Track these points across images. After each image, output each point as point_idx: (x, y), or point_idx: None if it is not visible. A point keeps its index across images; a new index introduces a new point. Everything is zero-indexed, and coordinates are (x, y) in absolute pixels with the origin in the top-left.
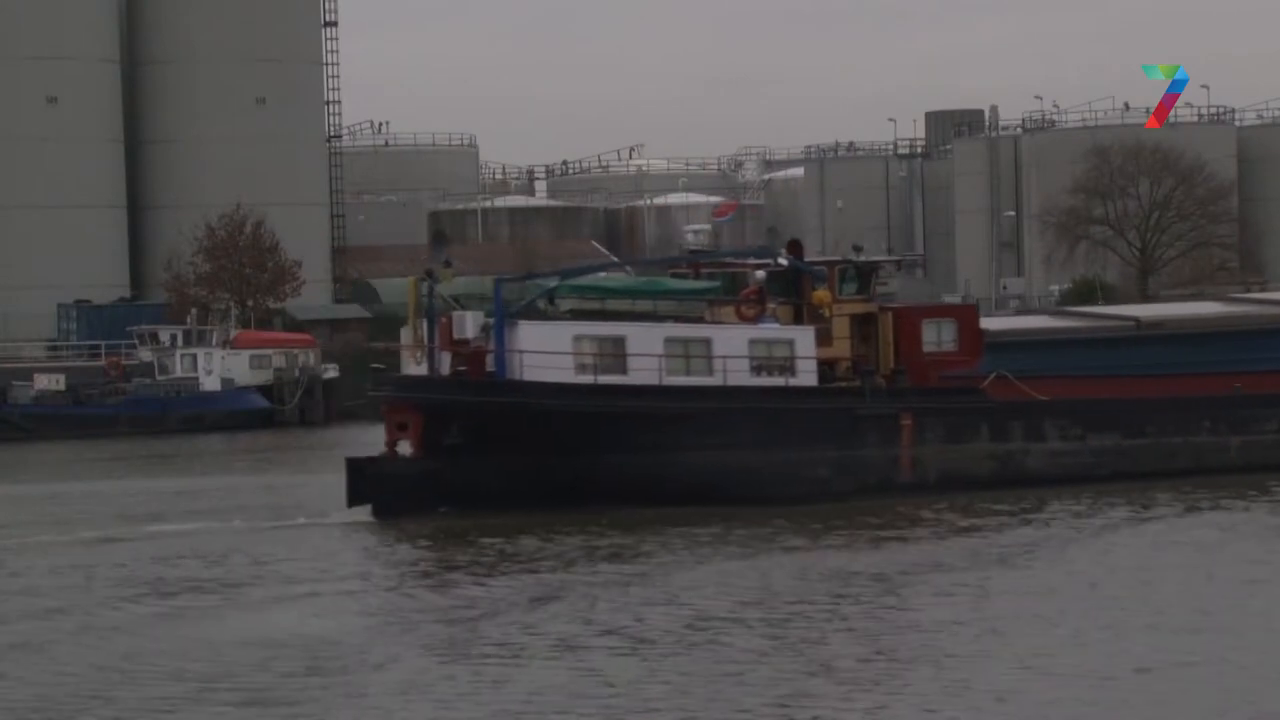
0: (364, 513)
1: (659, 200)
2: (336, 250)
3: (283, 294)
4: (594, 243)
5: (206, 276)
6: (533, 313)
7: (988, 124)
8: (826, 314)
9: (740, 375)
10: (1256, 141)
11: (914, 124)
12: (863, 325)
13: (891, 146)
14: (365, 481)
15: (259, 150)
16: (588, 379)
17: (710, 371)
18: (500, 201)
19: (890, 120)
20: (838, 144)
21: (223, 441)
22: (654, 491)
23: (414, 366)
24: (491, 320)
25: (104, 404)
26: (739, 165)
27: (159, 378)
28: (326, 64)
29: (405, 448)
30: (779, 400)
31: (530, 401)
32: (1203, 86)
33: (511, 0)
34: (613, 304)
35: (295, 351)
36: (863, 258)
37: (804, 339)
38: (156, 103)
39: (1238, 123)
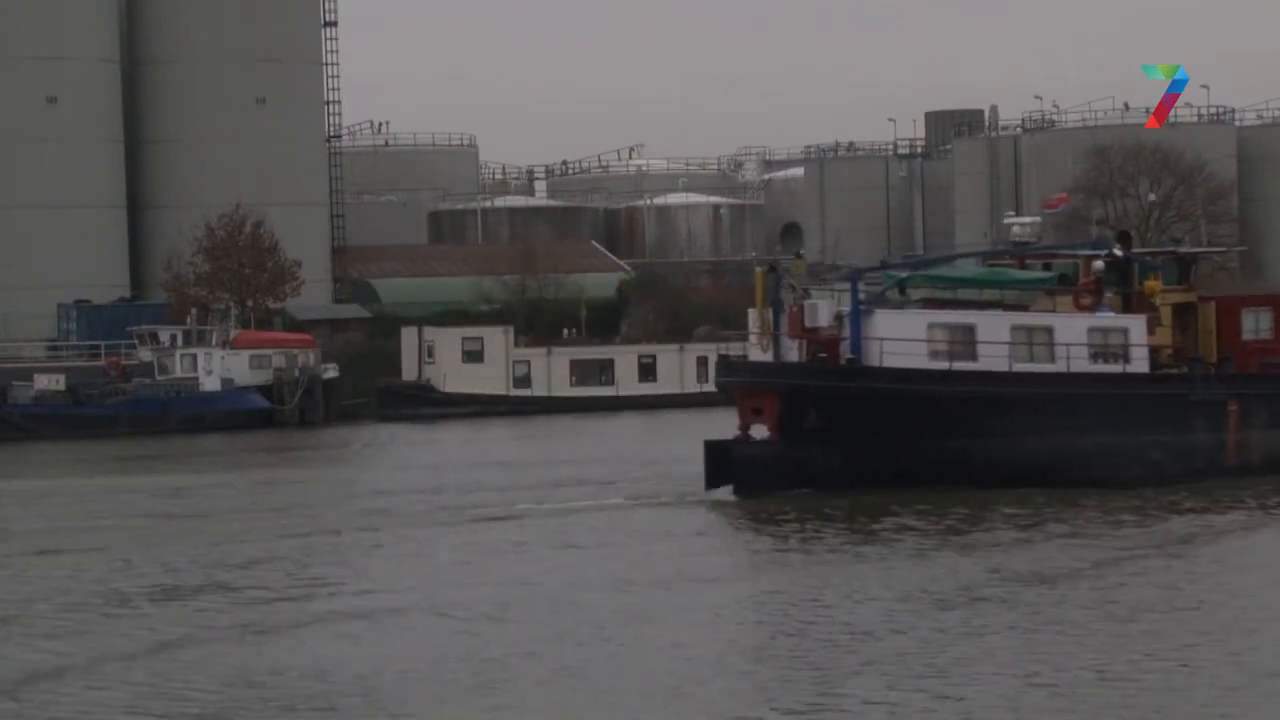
0: (725, 493)
1: (659, 200)
2: (336, 250)
3: (283, 294)
4: (594, 243)
5: (206, 276)
6: (885, 301)
7: (988, 124)
8: (1157, 303)
9: (1080, 362)
10: (1256, 141)
11: (914, 124)
12: (1181, 314)
13: (891, 146)
14: (726, 463)
15: (259, 150)
16: (942, 365)
17: (1052, 358)
18: (500, 201)
19: (890, 120)
20: (838, 144)
21: (223, 441)
22: (1001, 473)
23: (760, 354)
24: (843, 309)
25: (104, 404)
26: (739, 165)
27: (159, 378)
28: (326, 64)
29: (759, 431)
30: (1117, 386)
31: (888, 386)
32: (1203, 86)
33: (511, 0)
34: (963, 293)
35: (295, 351)
36: (1184, 249)
37: (1137, 327)
38: (156, 103)
39: (1238, 123)
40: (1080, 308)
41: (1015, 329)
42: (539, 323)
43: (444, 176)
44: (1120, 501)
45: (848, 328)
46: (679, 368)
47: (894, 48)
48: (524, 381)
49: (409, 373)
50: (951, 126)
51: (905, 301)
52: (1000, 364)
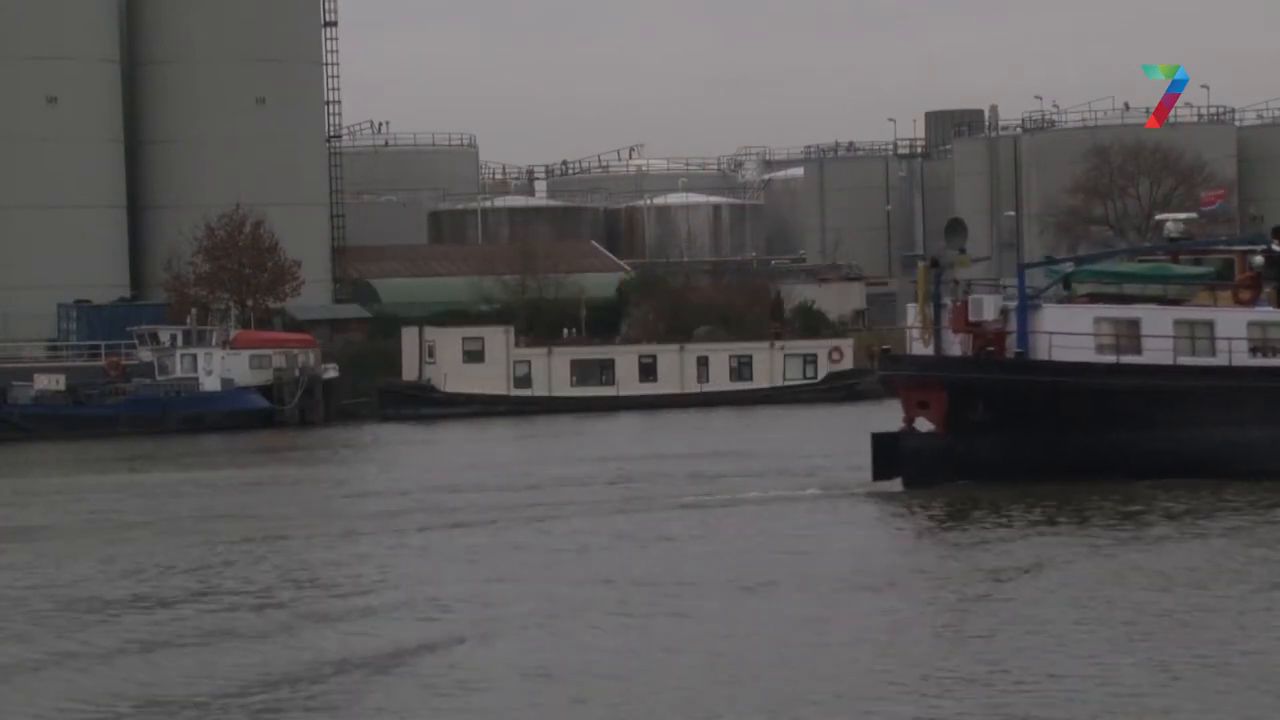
0: (893, 485)
1: (659, 200)
2: (336, 250)
3: (282, 294)
4: (594, 243)
5: (206, 276)
6: (1050, 296)
7: (988, 124)
8: None
9: (1240, 355)
10: (1256, 141)
11: (914, 124)
12: None
13: (891, 146)
14: (894, 456)
15: (259, 150)
16: (1108, 359)
17: (1213, 352)
18: (500, 201)
19: (890, 120)
20: (838, 144)
21: (223, 441)
22: (1164, 465)
23: (922, 348)
24: (1009, 304)
25: (104, 404)
26: (739, 165)
27: (159, 378)
28: (326, 64)
29: (923, 424)
30: (1277, 380)
31: (1056, 380)
32: (1203, 86)
33: (511, 0)
34: (1127, 288)
35: (295, 351)
36: None
37: None
38: (156, 103)
39: (1238, 123)
40: (1239, 302)
41: (1178, 323)
42: (539, 323)
43: (444, 176)
44: None
45: (1013, 322)
46: (679, 368)
47: (894, 48)
48: (524, 381)
49: (409, 373)
50: (951, 126)
51: (1069, 296)
52: (1164, 357)
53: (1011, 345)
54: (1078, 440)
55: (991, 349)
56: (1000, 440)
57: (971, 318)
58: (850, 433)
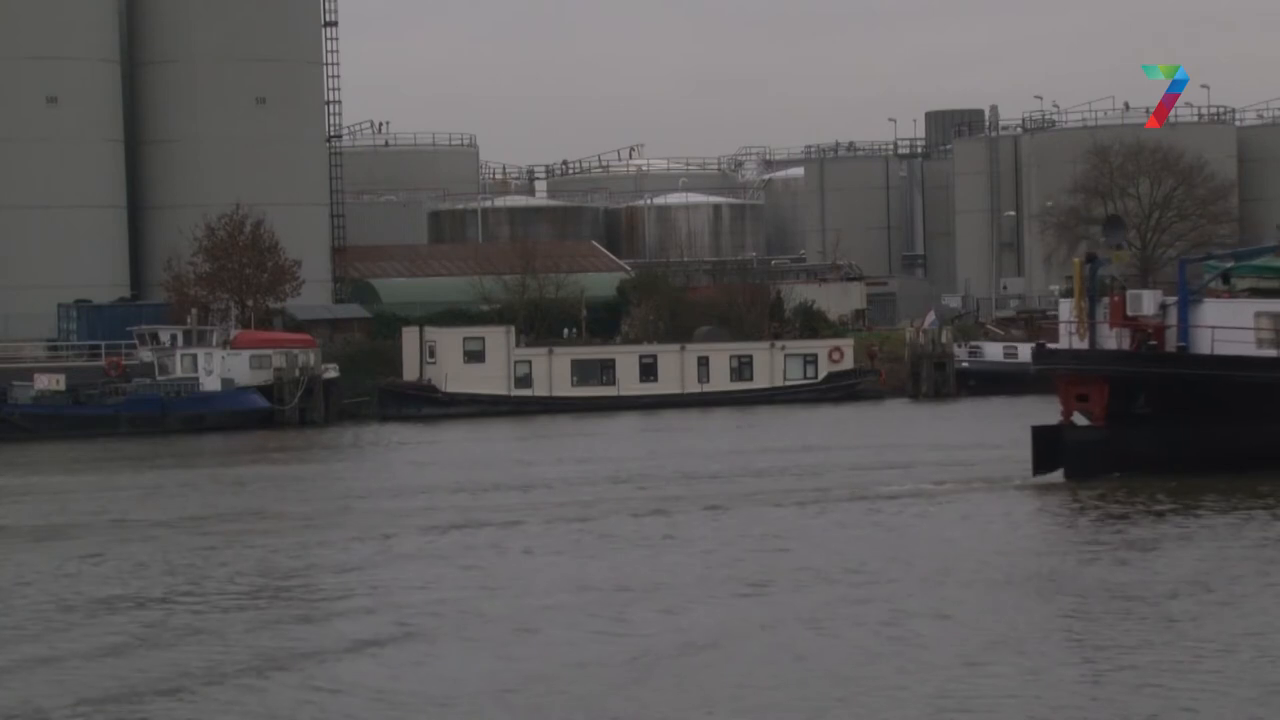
0: (1055, 477)
1: (659, 200)
2: (336, 250)
3: (282, 294)
4: (594, 243)
5: (206, 276)
6: (1209, 291)
7: (988, 124)
8: None
9: None
10: (1256, 141)
11: (914, 124)
12: None
13: (891, 146)
14: (1055, 448)
15: (259, 150)
16: (1270, 353)
17: None
18: (500, 201)
19: (890, 120)
20: (838, 144)
21: (224, 441)
22: None
23: (1078, 342)
24: (1168, 299)
25: (104, 404)
26: (739, 165)
27: (159, 378)
28: (326, 64)
29: (1081, 418)
30: None
31: (1218, 373)
32: (1203, 86)
33: (512, 0)
34: None
35: (295, 351)
36: None
37: None
38: (156, 103)
39: (1238, 123)
40: None
41: None
42: (539, 323)
43: (444, 176)
44: None
45: (1172, 316)
46: (680, 368)
47: (894, 48)
48: (525, 381)
49: (410, 373)
50: (951, 126)
51: (1228, 290)
52: None
53: (1171, 339)
54: (1239, 433)
55: (1153, 343)
56: (1161, 433)
57: (1130, 312)
58: (961, 429)
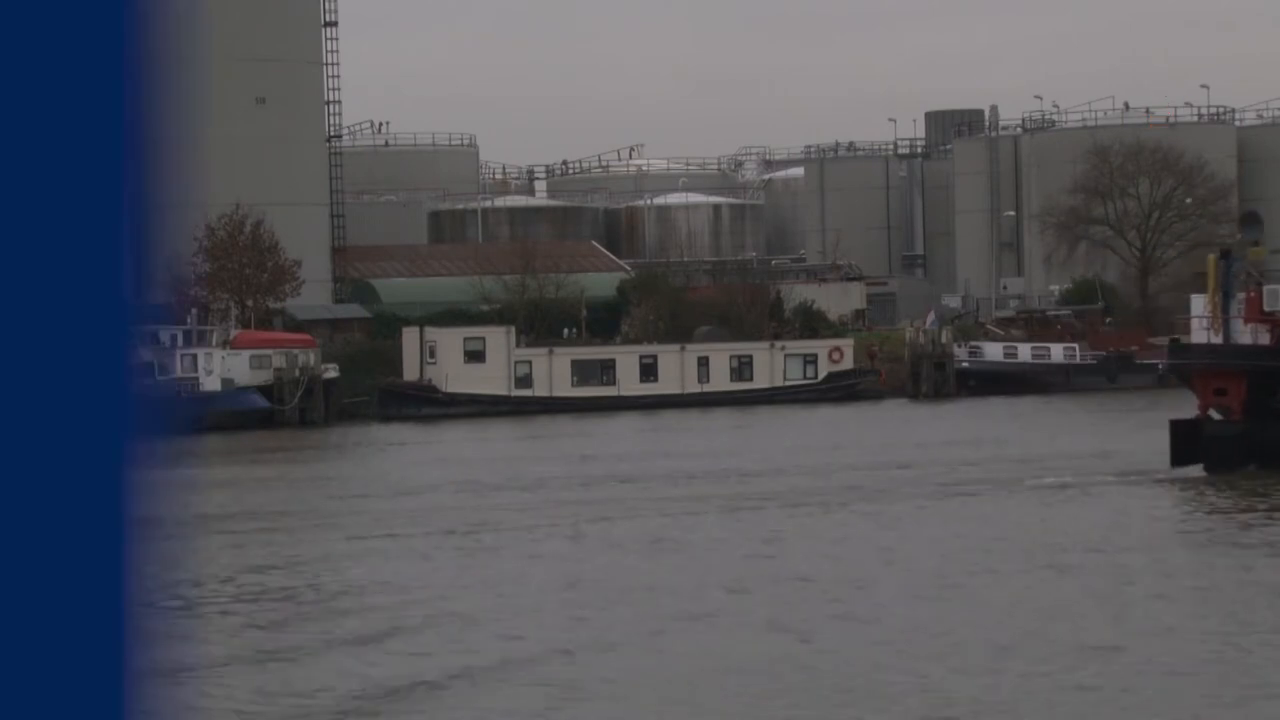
0: (1193, 470)
1: (659, 200)
2: (336, 250)
3: (282, 294)
4: (594, 243)
5: (206, 276)
6: None
7: (988, 124)
8: None
9: None
10: (1256, 141)
11: (914, 124)
12: None
13: (891, 146)
14: (1194, 442)
15: (259, 150)
16: None
17: None
18: (500, 201)
19: (890, 120)
20: (838, 144)
21: (224, 441)
22: None
23: (1212, 338)
24: None
25: None
26: (739, 165)
27: (159, 378)
28: (326, 64)
29: (1216, 412)
30: None
31: None
32: (1203, 86)
33: (512, 0)
34: None
35: (295, 351)
36: None
37: None
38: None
39: (1238, 123)
40: None
41: None
42: (539, 323)
43: (444, 176)
44: None
45: None
46: (680, 368)
47: (894, 48)
48: (525, 382)
49: (410, 373)
50: (951, 126)
51: None
52: None
53: None
54: None
55: None
56: None
57: (1267, 307)
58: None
